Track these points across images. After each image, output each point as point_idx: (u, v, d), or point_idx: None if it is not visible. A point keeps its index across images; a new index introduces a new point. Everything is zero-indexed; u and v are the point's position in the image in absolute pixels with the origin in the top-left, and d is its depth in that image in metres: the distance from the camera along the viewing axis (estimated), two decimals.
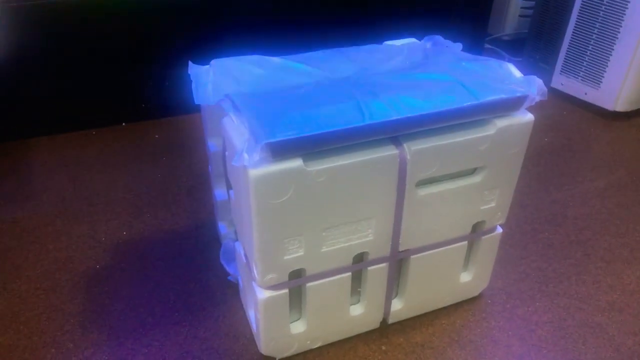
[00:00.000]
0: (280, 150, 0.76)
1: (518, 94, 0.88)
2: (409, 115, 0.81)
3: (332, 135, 0.78)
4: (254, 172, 0.76)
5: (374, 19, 2.00)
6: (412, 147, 0.85)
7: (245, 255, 0.96)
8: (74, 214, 1.43)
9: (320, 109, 0.81)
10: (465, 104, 0.84)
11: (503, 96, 0.87)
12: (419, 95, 0.84)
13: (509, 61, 0.92)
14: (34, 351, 1.04)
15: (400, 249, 0.97)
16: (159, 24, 1.77)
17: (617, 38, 1.83)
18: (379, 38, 1.16)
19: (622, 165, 1.68)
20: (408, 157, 0.85)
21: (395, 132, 0.84)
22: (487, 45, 2.48)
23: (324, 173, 0.80)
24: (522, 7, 2.49)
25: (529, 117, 0.92)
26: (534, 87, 0.89)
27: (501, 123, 0.89)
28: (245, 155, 0.74)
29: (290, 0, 1.87)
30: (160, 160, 1.68)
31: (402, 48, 1.06)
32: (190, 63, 1.00)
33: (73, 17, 1.66)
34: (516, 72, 0.94)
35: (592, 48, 1.93)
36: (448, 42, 1.08)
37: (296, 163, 0.78)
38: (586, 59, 1.96)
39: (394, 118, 0.80)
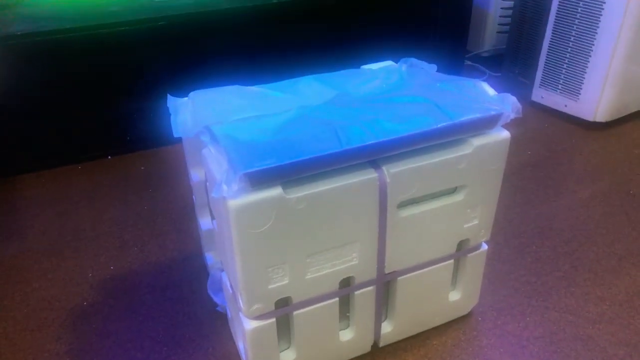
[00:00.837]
0: (258, 180, 0.77)
1: (492, 112, 0.89)
2: (386, 138, 0.82)
3: (310, 162, 0.79)
4: (234, 203, 0.76)
5: (353, 43, 2.03)
6: (391, 170, 0.85)
7: (231, 286, 0.96)
8: (60, 251, 1.42)
9: (298, 136, 0.82)
10: (440, 125, 0.85)
11: (478, 115, 0.88)
12: (395, 118, 0.85)
13: (489, 77, 0.94)
14: None
15: (387, 271, 0.97)
16: (142, 57, 1.78)
17: (592, 50, 1.87)
18: (358, 61, 1.18)
19: (605, 174, 1.69)
20: (387, 179, 0.86)
21: (373, 156, 0.85)
22: (467, 62, 2.52)
23: (304, 200, 0.81)
24: (499, 24, 2.53)
25: (505, 134, 0.93)
26: (509, 104, 0.90)
27: (478, 142, 0.90)
28: (224, 186, 0.75)
29: (269, 29, 1.89)
30: (147, 192, 1.67)
31: (378, 72, 1.08)
32: (169, 96, 1.01)
33: (56, 54, 1.67)
34: (490, 91, 0.96)
35: (569, 61, 1.97)
36: (423, 64, 1.10)
37: (276, 191, 0.78)
38: (564, 72, 2.00)
39: (371, 142, 0.81)
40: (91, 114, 1.81)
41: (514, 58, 2.22)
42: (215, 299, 1.16)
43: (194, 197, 1.18)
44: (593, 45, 1.86)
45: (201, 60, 1.83)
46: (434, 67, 1.08)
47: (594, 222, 1.47)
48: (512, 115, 0.90)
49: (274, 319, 0.91)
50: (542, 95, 2.11)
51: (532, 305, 1.19)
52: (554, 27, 1.99)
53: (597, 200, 1.56)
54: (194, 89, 1.02)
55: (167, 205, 1.60)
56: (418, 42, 2.18)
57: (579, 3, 1.87)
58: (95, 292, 1.28)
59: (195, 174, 1.11)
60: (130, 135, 1.89)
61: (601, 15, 1.81)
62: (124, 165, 1.84)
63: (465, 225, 1.00)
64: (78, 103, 1.77)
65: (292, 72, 1.14)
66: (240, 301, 0.88)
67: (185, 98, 1.01)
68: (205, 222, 1.18)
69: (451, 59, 2.30)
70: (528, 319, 1.16)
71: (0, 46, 1.58)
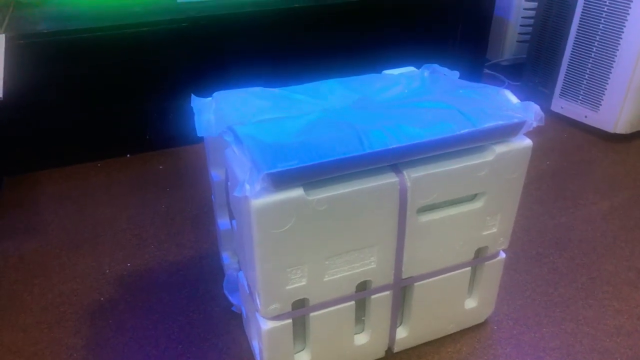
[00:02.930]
0: (281, 180, 0.77)
1: (515, 120, 0.89)
2: (408, 143, 0.82)
3: (332, 165, 0.79)
4: (256, 202, 0.77)
5: (374, 48, 2.04)
6: (412, 175, 0.85)
7: (248, 286, 0.96)
8: (79, 246, 1.44)
9: (321, 138, 0.82)
10: (463, 131, 0.85)
11: (500, 122, 0.88)
12: (418, 123, 0.86)
13: (508, 86, 0.94)
14: None
15: (404, 276, 0.97)
16: (164, 57, 1.80)
17: (615, 61, 1.85)
18: (378, 67, 1.18)
19: (625, 187, 1.67)
20: (408, 184, 0.86)
21: (395, 160, 0.85)
22: (486, 71, 2.51)
23: (325, 202, 0.81)
24: (519, 33, 2.52)
25: (527, 142, 0.92)
26: (531, 112, 0.90)
27: (500, 149, 0.90)
28: (247, 186, 0.75)
29: (291, 33, 1.91)
30: (165, 191, 1.69)
31: (400, 77, 1.08)
32: (193, 96, 1.02)
33: (79, 52, 1.70)
34: (513, 99, 0.95)
35: (590, 71, 1.95)
36: (445, 70, 1.10)
37: (297, 192, 0.79)
38: (585, 82, 1.98)
39: (393, 146, 0.81)
40: (112, 112, 1.83)
41: (535, 67, 2.21)
42: (231, 299, 1.16)
43: (213, 196, 1.19)
44: (615, 56, 1.84)
45: (223, 62, 1.85)
46: (456, 73, 1.08)
47: (613, 234, 1.45)
48: (535, 124, 0.90)
49: (290, 320, 0.91)
50: (562, 105, 2.10)
51: (549, 316, 1.18)
52: (576, 37, 1.97)
53: (616, 213, 1.55)
54: (215, 90, 1.03)
55: (185, 205, 1.61)
56: (438, 49, 2.18)
57: (602, 14, 1.86)
58: (112, 288, 1.29)
59: (216, 174, 1.12)
60: (149, 134, 1.91)
61: (624, 26, 1.80)
62: (143, 164, 1.86)
63: (484, 233, 1.00)
64: (99, 101, 1.80)
65: (314, 75, 1.15)
66: (258, 301, 0.88)
67: (209, 98, 1.03)
68: (223, 222, 1.18)
69: (471, 67, 2.29)
70: (544, 329, 1.15)
71: (25, 43, 1.61)
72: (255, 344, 1.04)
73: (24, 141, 1.78)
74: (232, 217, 1.03)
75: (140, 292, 1.27)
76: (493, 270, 1.08)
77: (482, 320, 1.16)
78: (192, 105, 1.01)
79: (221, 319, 1.19)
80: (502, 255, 1.08)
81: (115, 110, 1.83)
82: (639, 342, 1.11)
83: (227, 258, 1.23)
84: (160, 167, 1.84)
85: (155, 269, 1.35)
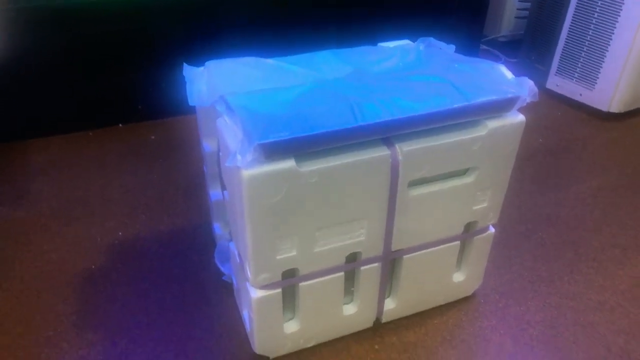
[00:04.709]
0: (272, 151, 0.77)
1: (509, 95, 0.89)
2: (401, 116, 0.82)
3: (324, 136, 0.79)
4: (247, 173, 0.77)
5: (369, 20, 2.01)
6: (404, 148, 0.85)
7: (239, 255, 0.97)
8: (70, 215, 1.44)
9: (313, 110, 0.82)
10: (456, 105, 0.85)
11: (494, 97, 0.88)
12: (411, 96, 0.85)
13: (505, 62, 0.93)
14: (28, 350, 1.05)
15: (393, 248, 0.98)
16: (155, 26, 1.77)
17: (612, 39, 1.85)
18: (374, 39, 1.17)
19: (616, 166, 1.69)
20: (400, 157, 0.86)
21: (387, 133, 0.85)
22: (482, 47, 2.49)
23: (316, 174, 0.81)
24: (518, 9, 2.50)
25: (521, 118, 0.92)
26: (526, 88, 0.90)
27: (493, 124, 0.90)
28: (238, 156, 0.75)
29: (287, 2, 1.88)
30: (156, 161, 1.68)
31: (395, 50, 1.07)
32: (184, 65, 1.01)
33: (70, 20, 1.66)
34: (508, 74, 0.95)
35: (587, 49, 1.94)
36: (441, 44, 1.09)
37: (289, 164, 0.79)
38: (581, 60, 1.98)
39: (386, 119, 0.81)
40: (103, 81, 1.81)
41: (532, 44, 2.19)
42: (222, 269, 1.17)
43: (205, 167, 1.18)
44: (613, 34, 1.83)
45: (216, 31, 1.82)
46: (452, 47, 1.07)
47: (601, 212, 1.47)
48: (529, 99, 0.90)
49: (280, 290, 0.92)
50: (557, 83, 2.09)
51: (535, 290, 1.20)
52: (574, 15, 1.96)
53: (606, 191, 1.56)
54: (208, 60, 1.02)
55: (177, 175, 1.61)
56: (434, 23, 2.16)
57: None
58: (103, 256, 1.29)
59: (208, 144, 1.11)
60: (141, 104, 1.90)
61: (623, 3, 1.78)
62: (135, 134, 1.85)
63: (474, 208, 1.00)
64: (91, 70, 1.78)
65: (309, 46, 1.13)
66: (248, 270, 0.89)
67: (201, 67, 1.01)
68: (215, 192, 1.18)
69: (467, 42, 2.28)
70: (530, 303, 1.17)
71: (15, 10, 1.58)
72: (245, 313, 1.05)
73: (13, 108, 1.75)
74: (223, 188, 1.03)
75: (131, 261, 1.28)
76: (482, 245, 1.09)
77: (469, 293, 1.18)
78: (184, 74, 1.00)
79: (212, 288, 1.20)
80: (492, 230, 1.09)
81: (106, 79, 1.81)
82: (621, 317, 1.14)
83: (219, 228, 1.23)
84: (152, 137, 1.83)
85: (146, 239, 1.35)
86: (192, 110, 1.08)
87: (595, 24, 1.89)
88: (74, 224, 1.40)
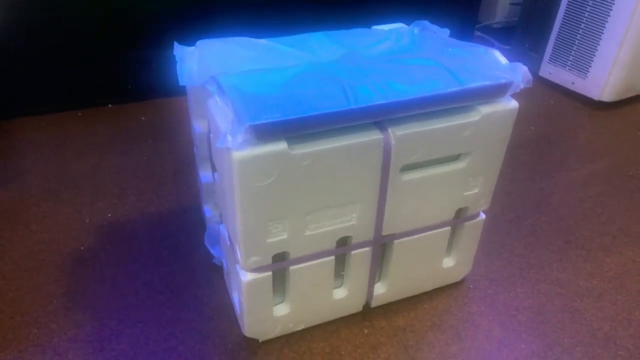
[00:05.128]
0: (264, 133, 0.76)
1: (503, 81, 0.88)
2: (394, 100, 0.81)
3: (316, 119, 0.78)
4: (238, 155, 0.76)
5: (364, 2, 1.99)
6: (397, 132, 0.85)
7: (229, 238, 0.96)
8: (59, 196, 1.42)
9: (306, 92, 0.81)
10: (449, 90, 0.84)
11: (488, 82, 0.87)
12: (405, 80, 0.84)
13: (499, 49, 0.93)
14: (16, 331, 1.04)
15: (384, 233, 0.98)
16: (146, 4, 1.74)
17: (605, 28, 1.84)
18: (368, 22, 1.15)
19: (607, 154, 1.69)
20: (392, 142, 0.85)
21: (380, 117, 0.84)
22: (477, 33, 2.48)
23: (308, 157, 0.80)
24: None
25: (514, 104, 0.92)
26: (519, 74, 0.89)
27: (485, 109, 0.90)
28: (229, 137, 0.74)
29: None
30: (146, 142, 1.66)
31: (389, 33, 1.06)
32: (175, 44, 0.99)
33: None
34: (502, 59, 0.94)
35: (580, 38, 1.94)
36: (436, 28, 1.08)
37: (280, 146, 0.78)
38: (574, 49, 1.97)
39: (379, 102, 0.80)
40: (93, 61, 1.78)
41: (525, 31, 2.18)
42: (212, 251, 1.17)
43: (195, 149, 1.17)
44: (606, 23, 1.83)
45: (209, 10, 1.79)
46: (446, 31, 1.06)
47: (591, 200, 1.48)
48: (522, 85, 0.89)
49: (270, 273, 0.92)
50: (550, 71, 2.09)
51: (524, 276, 1.21)
52: (568, 3, 1.95)
53: (596, 179, 1.57)
54: (197, 39, 1.00)
55: (167, 157, 1.59)
56: (429, 8, 2.14)
57: None
58: (92, 237, 1.28)
59: (198, 125, 1.10)
60: (131, 84, 1.87)
61: None
62: (125, 115, 1.83)
63: (465, 193, 1.00)
64: (80, 49, 1.74)
65: (302, 27, 1.12)
66: (238, 253, 0.89)
67: (192, 47, 1.00)
68: (205, 174, 1.17)
69: (461, 28, 2.26)
70: (519, 289, 1.18)
71: None
72: (235, 295, 1.05)
73: (1, 87, 1.72)
74: (214, 170, 1.02)
75: (120, 242, 1.27)
76: (472, 231, 1.10)
77: (459, 279, 1.18)
78: (174, 53, 0.98)
79: (202, 271, 1.19)
80: (482, 216, 1.09)
81: (96, 58, 1.78)
82: (608, 303, 1.15)
83: (209, 211, 1.22)
84: (143, 118, 1.81)
85: (136, 220, 1.34)
86: (182, 91, 1.07)
87: (589, 12, 1.88)
88: (63, 204, 1.39)
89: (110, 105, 1.87)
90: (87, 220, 1.34)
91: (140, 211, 1.37)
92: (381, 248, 1.02)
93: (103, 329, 1.05)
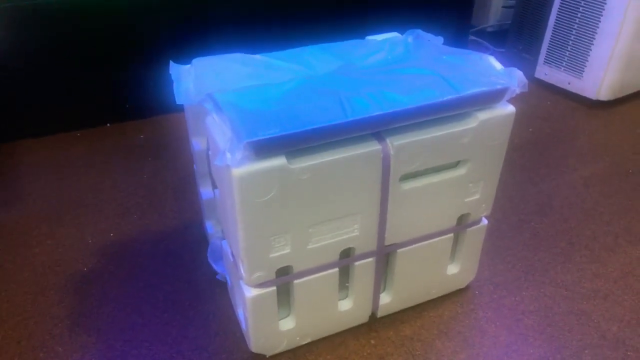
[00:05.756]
0: (262, 149, 0.76)
1: (499, 87, 0.88)
2: (391, 110, 0.82)
3: (314, 133, 0.78)
4: (237, 171, 0.76)
5: (357, 13, 2.00)
6: (395, 142, 0.85)
7: (232, 254, 0.96)
8: (61, 217, 1.42)
9: (303, 106, 0.81)
10: (446, 98, 0.84)
11: (484, 89, 0.87)
12: (401, 90, 0.85)
13: (493, 52, 0.93)
14: (23, 355, 1.04)
15: (387, 243, 0.98)
16: (142, 23, 1.75)
17: (599, 27, 1.85)
18: (362, 32, 1.16)
19: (606, 154, 1.69)
20: (391, 152, 0.85)
21: (378, 128, 0.84)
22: (471, 37, 2.49)
23: (307, 170, 0.80)
24: None
25: (510, 108, 0.92)
26: (515, 79, 0.90)
27: (483, 116, 0.90)
28: (228, 155, 0.74)
29: None
30: (146, 160, 1.67)
31: (383, 43, 1.06)
32: (171, 63, 1.00)
33: (56, 20, 1.64)
34: (497, 65, 0.95)
35: (574, 38, 1.94)
36: (429, 36, 1.08)
37: (279, 161, 0.78)
38: (568, 49, 1.98)
39: (376, 113, 0.81)
40: (91, 81, 1.79)
41: (519, 34, 2.19)
42: (215, 267, 1.17)
43: (195, 165, 1.17)
44: (600, 22, 1.84)
45: (203, 28, 1.80)
46: (440, 39, 1.07)
47: (593, 200, 1.48)
48: (518, 90, 0.90)
49: (274, 288, 0.92)
50: (545, 72, 2.09)
51: (529, 280, 1.21)
52: (560, 3, 1.96)
53: (597, 179, 1.57)
54: (193, 57, 1.01)
55: (167, 174, 1.60)
56: (423, 14, 2.15)
57: None
58: (95, 258, 1.28)
59: (197, 143, 1.10)
60: (129, 102, 1.88)
61: None
62: (123, 133, 1.83)
63: (467, 200, 1.00)
64: (78, 70, 1.75)
65: (296, 41, 1.12)
66: (242, 269, 0.89)
67: (188, 65, 1.00)
68: (206, 191, 1.18)
69: (456, 33, 2.27)
70: (524, 293, 1.17)
71: (1, 9, 1.56)
72: (240, 311, 1.05)
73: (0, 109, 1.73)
74: (214, 186, 1.02)
75: (123, 261, 1.27)
76: (475, 237, 1.10)
77: (464, 285, 1.18)
78: (170, 72, 0.99)
79: (206, 287, 1.19)
80: (485, 221, 1.09)
81: (93, 78, 1.79)
82: (614, 304, 1.14)
83: (211, 227, 1.22)
84: (141, 136, 1.81)
85: (138, 239, 1.34)
86: (180, 107, 1.07)
87: (582, 12, 1.89)
88: (65, 225, 1.39)
89: (109, 125, 1.88)
90: (90, 241, 1.34)
91: (142, 229, 1.37)
92: (385, 258, 1.02)
93: (109, 351, 1.04)
